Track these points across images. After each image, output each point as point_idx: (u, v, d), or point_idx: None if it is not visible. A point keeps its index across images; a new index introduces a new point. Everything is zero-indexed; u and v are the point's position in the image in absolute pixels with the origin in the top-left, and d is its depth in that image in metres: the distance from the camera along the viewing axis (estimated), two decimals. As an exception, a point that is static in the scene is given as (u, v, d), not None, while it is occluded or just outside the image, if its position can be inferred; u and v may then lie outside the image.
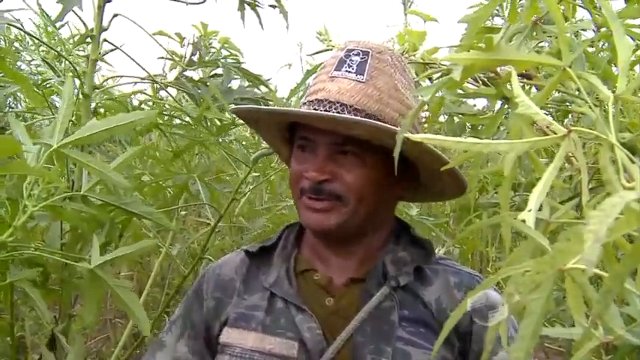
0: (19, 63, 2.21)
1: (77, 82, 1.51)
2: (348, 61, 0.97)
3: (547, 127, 0.48)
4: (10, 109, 2.15)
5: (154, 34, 1.72)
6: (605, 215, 0.32)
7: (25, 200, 1.11)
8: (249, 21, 1.69)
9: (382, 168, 0.95)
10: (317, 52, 1.75)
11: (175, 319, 1.10)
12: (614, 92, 0.50)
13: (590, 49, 0.74)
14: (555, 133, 0.47)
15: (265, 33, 1.71)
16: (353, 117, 0.91)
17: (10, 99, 2.26)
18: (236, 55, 1.90)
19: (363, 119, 0.90)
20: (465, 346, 0.95)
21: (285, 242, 1.06)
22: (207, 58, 1.80)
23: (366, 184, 0.94)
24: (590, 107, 0.50)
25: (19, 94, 2.23)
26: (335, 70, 0.97)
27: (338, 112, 0.92)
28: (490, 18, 1.11)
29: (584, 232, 0.29)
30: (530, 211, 0.44)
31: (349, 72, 0.96)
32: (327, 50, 1.67)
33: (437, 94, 0.67)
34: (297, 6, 1.83)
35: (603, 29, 0.67)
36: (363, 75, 0.95)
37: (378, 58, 0.97)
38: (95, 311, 1.17)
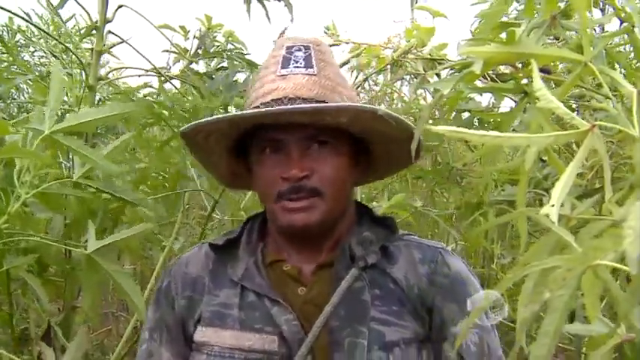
0: (22, 54, 2.21)
1: (83, 74, 1.50)
2: (292, 57, 0.97)
3: (569, 121, 0.47)
4: (13, 100, 2.14)
5: (159, 27, 1.71)
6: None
7: (18, 187, 1.08)
8: (253, 15, 1.68)
9: (349, 155, 0.97)
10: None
11: (152, 325, 1.05)
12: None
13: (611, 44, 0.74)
14: (577, 128, 0.46)
15: (269, 28, 1.70)
16: (339, 104, 0.92)
17: (12, 90, 2.26)
18: (240, 49, 1.89)
19: (349, 104, 0.91)
20: (431, 319, 0.96)
21: (249, 236, 1.04)
22: (211, 51, 1.80)
23: (340, 173, 0.96)
24: (612, 102, 0.49)
25: (21, 85, 2.22)
26: (282, 68, 0.97)
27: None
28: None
29: (622, 229, 0.29)
30: (553, 205, 0.44)
31: (298, 67, 0.96)
32: (335, 45, 1.67)
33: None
34: (301, 0, 1.82)
35: (625, 24, 0.66)
36: (313, 68, 0.96)
37: (319, 50, 0.99)
38: (93, 298, 1.14)
